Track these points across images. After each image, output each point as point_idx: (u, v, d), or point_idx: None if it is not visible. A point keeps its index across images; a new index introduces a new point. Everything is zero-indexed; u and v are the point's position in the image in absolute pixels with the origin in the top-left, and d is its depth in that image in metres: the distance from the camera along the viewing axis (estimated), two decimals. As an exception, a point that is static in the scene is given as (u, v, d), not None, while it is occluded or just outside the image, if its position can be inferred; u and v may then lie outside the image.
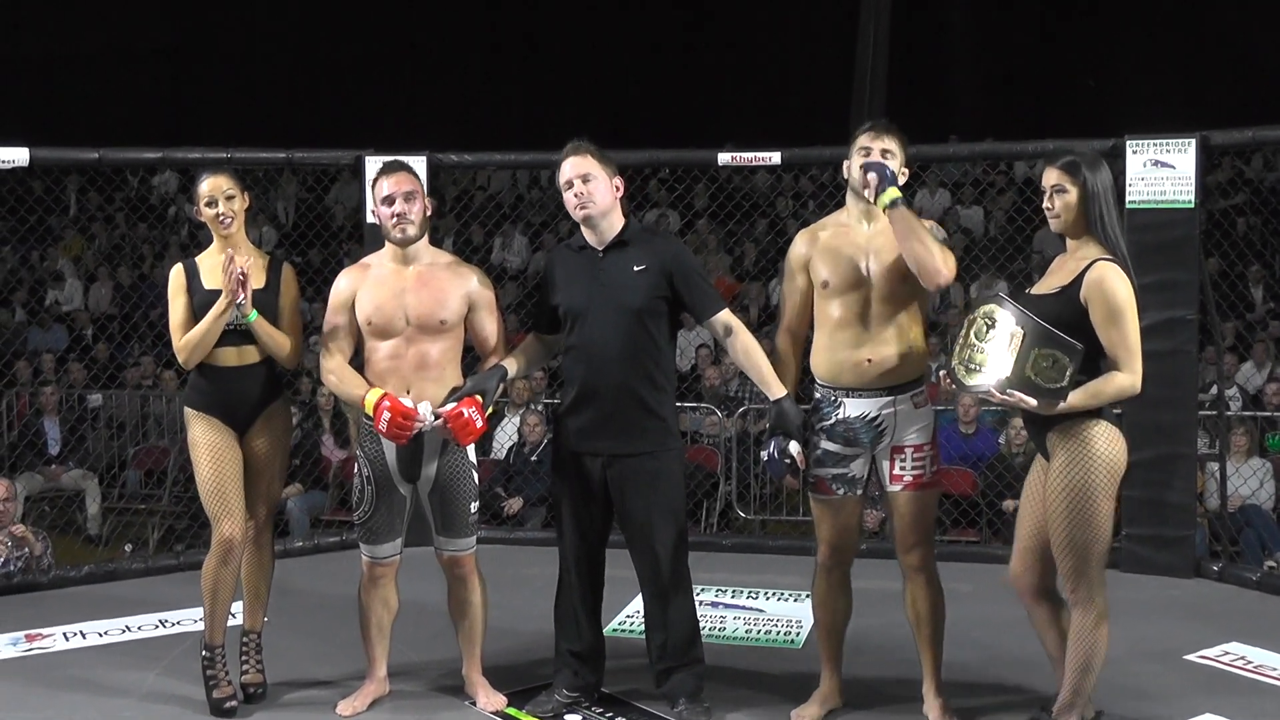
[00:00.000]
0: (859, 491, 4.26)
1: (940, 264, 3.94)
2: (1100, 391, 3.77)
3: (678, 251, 4.39)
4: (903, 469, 4.15)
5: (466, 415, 4.16)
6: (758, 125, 12.95)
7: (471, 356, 4.53)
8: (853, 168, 4.16)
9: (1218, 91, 16.52)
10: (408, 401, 4.20)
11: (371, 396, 4.22)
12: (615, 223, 4.32)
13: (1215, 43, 18.29)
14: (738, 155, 7.00)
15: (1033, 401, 3.73)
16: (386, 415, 4.17)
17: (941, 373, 3.90)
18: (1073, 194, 3.86)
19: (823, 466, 4.25)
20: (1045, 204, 3.91)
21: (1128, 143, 6.32)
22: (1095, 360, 3.78)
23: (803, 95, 18.17)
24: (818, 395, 4.26)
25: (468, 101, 19.54)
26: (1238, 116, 7.02)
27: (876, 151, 4.10)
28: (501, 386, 4.32)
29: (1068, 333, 3.71)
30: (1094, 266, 3.78)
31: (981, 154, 8.55)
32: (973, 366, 3.79)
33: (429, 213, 4.44)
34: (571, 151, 4.27)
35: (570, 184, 4.25)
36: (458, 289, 4.36)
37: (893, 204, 3.97)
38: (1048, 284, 3.90)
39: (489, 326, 4.42)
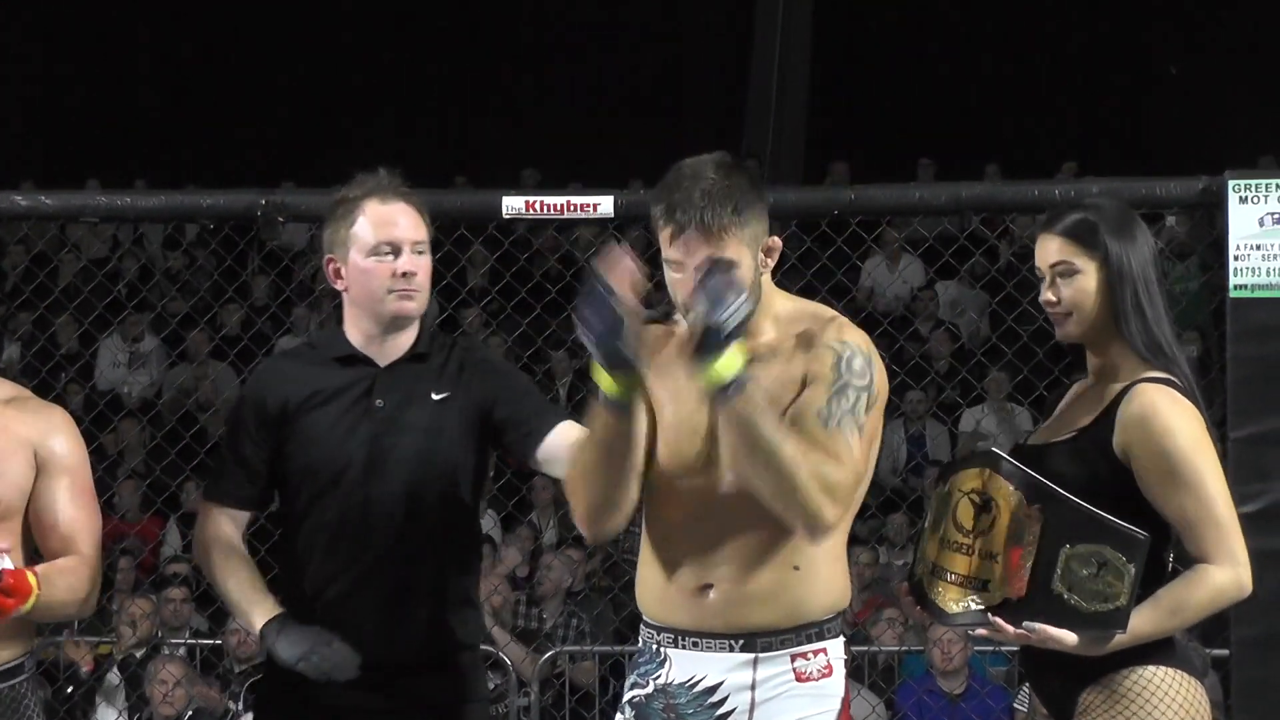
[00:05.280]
0: None
1: (818, 503, 2.67)
2: (1185, 603, 2.75)
3: None
4: None
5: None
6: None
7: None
8: (674, 287, 2.91)
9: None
10: None
11: None
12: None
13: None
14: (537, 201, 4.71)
15: (1071, 639, 2.69)
16: None
17: (903, 586, 3.05)
18: (1088, 276, 2.88)
19: None
20: (1044, 296, 2.96)
21: (1229, 183, 4.59)
22: (1159, 550, 2.78)
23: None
24: (640, 640, 3.22)
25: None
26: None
27: (689, 268, 2.82)
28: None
29: (1110, 508, 2.72)
30: (1133, 393, 2.81)
31: (975, 202, 5.33)
32: (954, 578, 2.81)
33: None
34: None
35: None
36: (16, 443, 3.21)
37: (728, 387, 2.70)
38: (1059, 426, 2.96)
39: (68, 509, 3.19)
